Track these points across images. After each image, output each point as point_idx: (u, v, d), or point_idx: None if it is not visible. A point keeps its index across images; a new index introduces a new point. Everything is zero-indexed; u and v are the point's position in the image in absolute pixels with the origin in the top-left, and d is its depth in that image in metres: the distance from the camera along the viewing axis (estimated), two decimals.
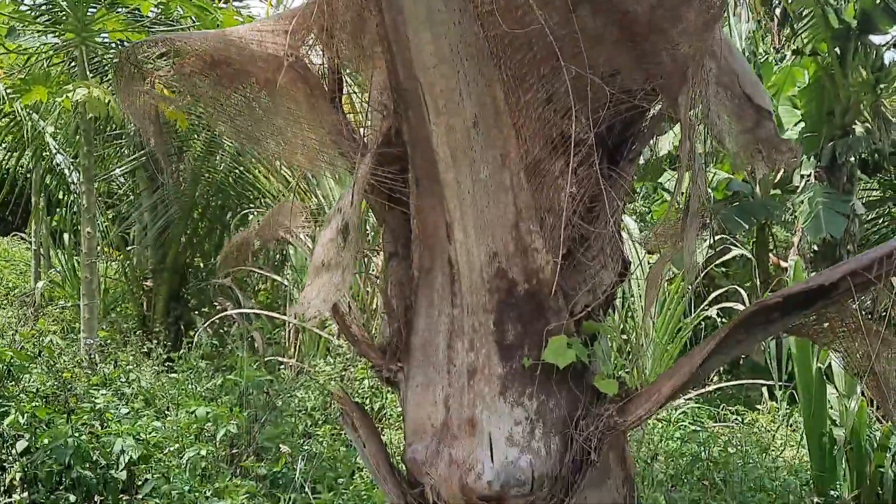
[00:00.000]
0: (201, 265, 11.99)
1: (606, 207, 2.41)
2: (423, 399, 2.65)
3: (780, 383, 9.49)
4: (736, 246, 11.09)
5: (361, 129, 2.75)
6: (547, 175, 2.43)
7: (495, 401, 2.53)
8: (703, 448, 6.65)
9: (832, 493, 6.10)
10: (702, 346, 2.51)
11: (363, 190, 2.50)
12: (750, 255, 11.33)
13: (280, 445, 5.63)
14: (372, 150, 2.55)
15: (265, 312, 10.25)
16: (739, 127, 2.59)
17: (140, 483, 5.17)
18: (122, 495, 5.11)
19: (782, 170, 12.99)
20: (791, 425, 8.66)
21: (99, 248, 11.63)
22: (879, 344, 2.44)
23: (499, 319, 2.52)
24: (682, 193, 2.41)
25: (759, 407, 9.71)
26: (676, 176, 2.35)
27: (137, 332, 10.16)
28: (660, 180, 12.93)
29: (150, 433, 5.55)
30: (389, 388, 7.38)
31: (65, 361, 6.82)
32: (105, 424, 5.51)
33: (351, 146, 2.64)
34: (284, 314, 10.27)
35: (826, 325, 2.53)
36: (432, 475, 2.56)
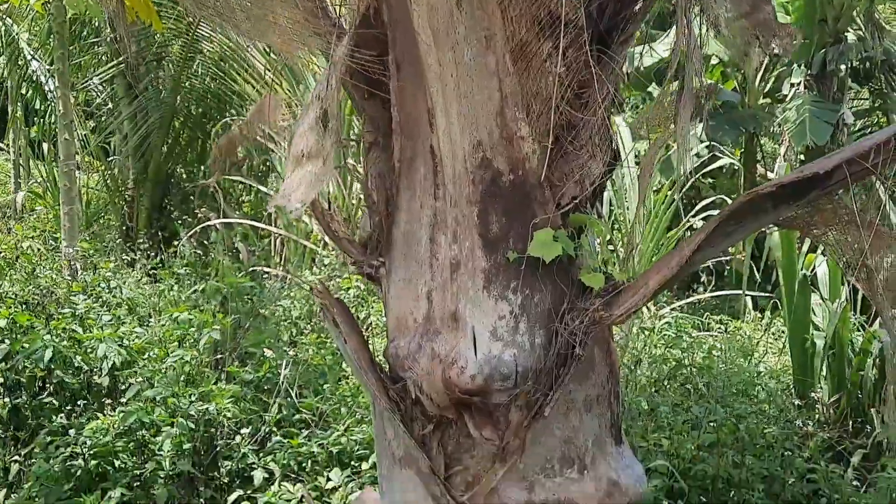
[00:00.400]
0: (184, 175, 11.83)
1: (596, 93, 2.31)
2: (405, 293, 2.59)
3: (765, 295, 9.54)
4: (724, 155, 11.00)
5: (338, 9, 2.60)
6: (534, 58, 2.31)
7: (479, 295, 2.47)
8: (686, 354, 6.69)
9: (813, 395, 6.17)
10: (692, 237, 2.44)
11: (341, 75, 2.37)
12: (738, 165, 11.25)
13: (264, 350, 5.61)
14: (349, 31, 2.42)
15: (249, 222, 10.14)
16: (736, 11, 2.47)
17: (124, 388, 5.15)
18: (105, 399, 5.10)
19: (772, 79, 12.77)
20: (774, 334, 8.73)
21: (79, 158, 11.43)
22: (873, 236, 2.38)
23: (483, 211, 2.44)
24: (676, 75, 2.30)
25: (742, 317, 9.79)
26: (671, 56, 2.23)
27: (119, 242, 10.05)
28: (648, 90, 12.73)
29: (132, 339, 5.51)
30: (375, 296, 7.36)
31: (44, 268, 6.73)
32: (86, 330, 5.46)
33: (327, 27, 2.51)
34: (269, 225, 10.18)
35: (818, 217, 2.47)
36: (414, 370, 2.52)
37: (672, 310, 9.22)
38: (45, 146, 13.56)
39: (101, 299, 6.46)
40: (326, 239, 10.49)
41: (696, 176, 10.85)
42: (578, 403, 2.52)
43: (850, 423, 6.02)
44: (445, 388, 2.45)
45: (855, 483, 5.21)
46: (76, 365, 5.16)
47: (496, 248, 2.45)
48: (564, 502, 2.51)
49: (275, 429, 5.03)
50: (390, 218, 2.60)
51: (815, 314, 6.69)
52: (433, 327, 2.52)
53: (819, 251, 6.84)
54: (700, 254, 2.45)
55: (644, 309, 9.08)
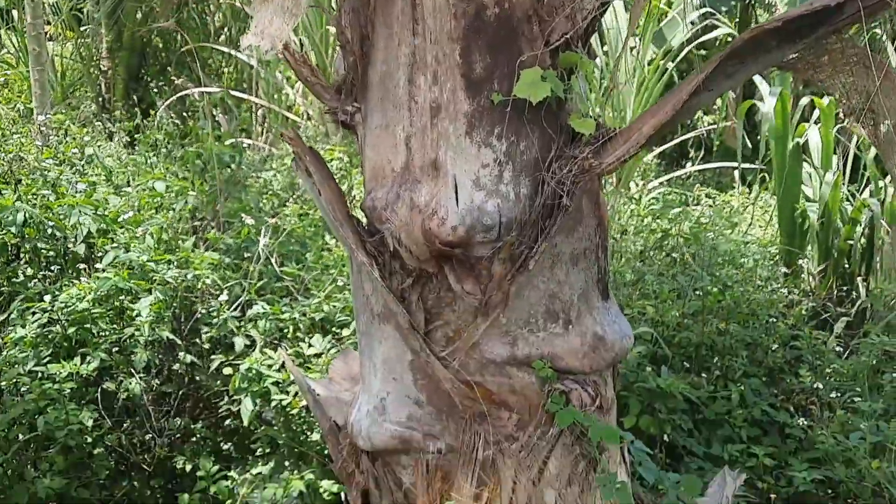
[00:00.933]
0: (160, 44, 11.42)
1: None
2: (382, 141, 2.43)
3: (753, 167, 9.39)
4: (720, 24, 10.63)
5: None
6: None
7: (461, 141, 2.31)
8: (673, 224, 6.61)
9: (800, 263, 6.13)
10: (689, 79, 2.27)
11: None
12: (734, 33, 10.89)
13: (244, 218, 5.47)
14: None
15: (230, 91, 9.85)
16: None
17: (100, 255, 5.02)
18: (80, 265, 4.98)
19: None
20: (761, 207, 8.66)
21: (50, 28, 10.96)
22: (882, 78, 2.23)
23: (465, 49, 2.25)
24: None
25: (730, 190, 9.70)
26: None
27: (95, 111, 9.77)
28: None
29: (107, 207, 5.35)
30: (358, 169, 7.19)
31: (13, 133, 6.50)
32: (59, 198, 5.29)
33: None
34: (251, 95, 9.91)
35: (826, 58, 2.30)
36: (392, 221, 2.38)
37: (660, 183, 9.13)
38: (14, 13, 13.00)
39: (74, 167, 6.27)
40: (309, 111, 10.25)
41: (689, 48, 10.54)
42: (564, 257, 2.41)
43: (836, 291, 6.01)
44: (425, 240, 2.33)
45: (838, 349, 5.22)
46: (49, 232, 5.01)
47: (480, 89, 2.28)
48: (548, 357, 2.44)
49: (255, 297, 4.95)
50: (366, 58, 2.40)
51: (804, 183, 6.59)
52: (412, 176, 2.37)
53: (812, 119, 6.68)
54: (697, 97, 2.29)
55: (632, 184, 8.98)
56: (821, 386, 4.68)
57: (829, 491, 4.09)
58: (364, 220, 2.61)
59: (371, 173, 2.49)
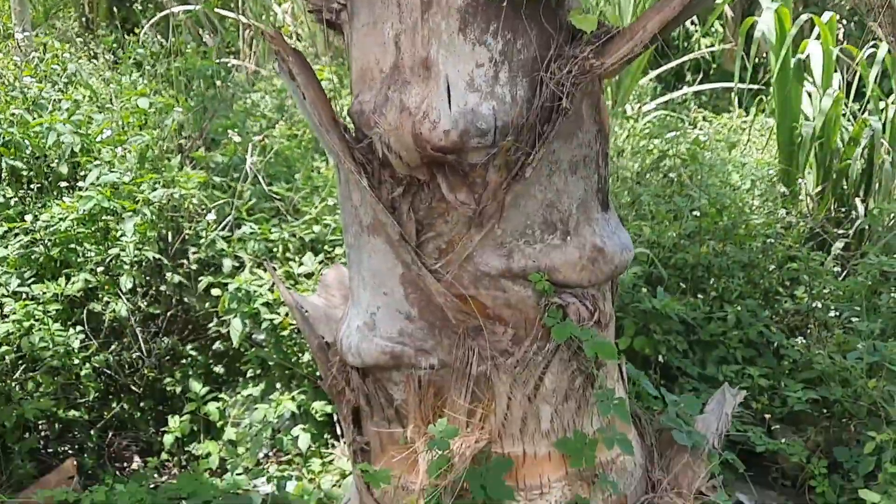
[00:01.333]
0: None
1: None
2: (369, 40, 2.28)
3: (751, 86, 9.19)
4: None
5: None
6: None
7: (454, 39, 2.17)
8: (670, 145, 6.48)
9: (799, 181, 6.02)
10: None
11: None
12: None
13: (231, 134, 5.31)
14: None
15: (216, 9, 9.56)
16: None
17: (83, 174, 4.88)
18: (62, 183, 4.84)
19: None
20: (758, 130, 8.50)
21: None
22: None
23: None
24: None
25: (728, 112, 9.53)
26: None
27: (77, 31, 9.49)
28: None
29: (90, 126, 5.18)
30: (349, 90, 7.01)
31: None
32: (39, 116, 5.11)
33: None
34: (238, 14, 9.63)
35: None
36: (381, 125, 2.25)
37: (656, 105, 8.95)
38: None
39: (56, 85, 6.07)
40: (299, 31, 9.97)
41: None
42: (563, 164, 2.29)
43: (834, 212, 5.92)
44: (416, 145, 2.20)
45: (835, 270, 5.15)
46: (29, 151, 4.85)
47: None
48: (545, 269, 2.34)
49: (245, 216, 4.84)
50: None
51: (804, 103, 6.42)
52: (402, 77, 2.23)
53: (813, 35, 6.45)
54: None
55: (627, 106, 8.79)
56: (818, 306, 4.62)
57: (825, 410, 4.06)
58: (351, 127, 2.48)
59: (358, 75, 2.35)
